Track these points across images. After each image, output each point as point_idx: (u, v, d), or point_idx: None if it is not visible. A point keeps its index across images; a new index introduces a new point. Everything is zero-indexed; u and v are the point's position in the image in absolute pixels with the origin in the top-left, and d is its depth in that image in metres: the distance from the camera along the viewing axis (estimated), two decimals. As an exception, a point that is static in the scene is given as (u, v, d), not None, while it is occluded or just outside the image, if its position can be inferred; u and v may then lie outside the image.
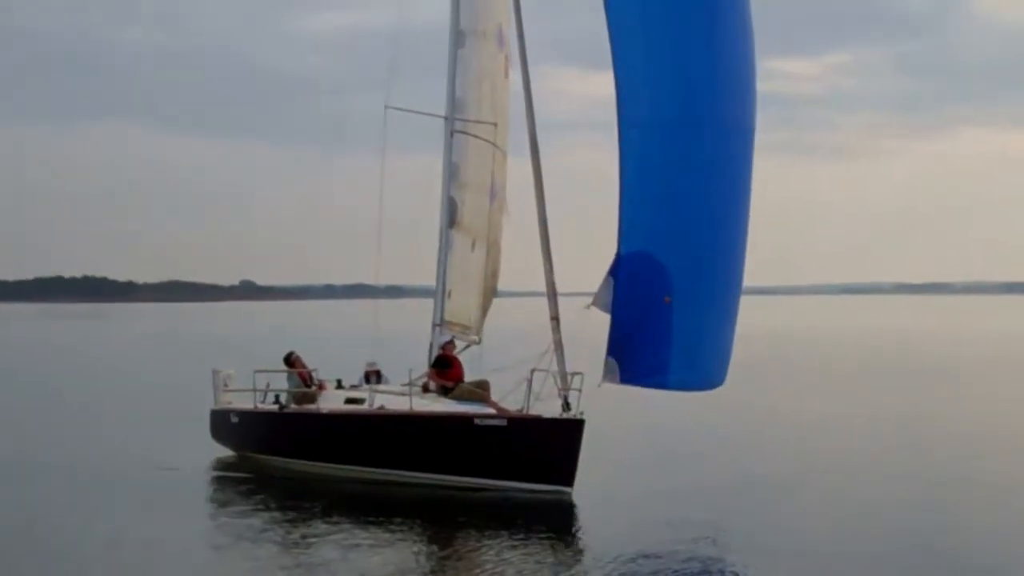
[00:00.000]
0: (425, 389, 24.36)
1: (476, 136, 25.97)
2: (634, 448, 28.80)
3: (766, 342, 73.27)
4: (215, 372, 27.96)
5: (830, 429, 32.30)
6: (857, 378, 49.44)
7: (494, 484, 22.08)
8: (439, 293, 25.78)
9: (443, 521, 20.21)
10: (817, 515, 20.41)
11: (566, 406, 21.84)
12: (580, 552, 18.27)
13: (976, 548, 18.06)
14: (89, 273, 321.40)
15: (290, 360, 26.36)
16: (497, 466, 22.04)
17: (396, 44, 25.19)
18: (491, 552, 17.76)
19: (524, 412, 22.06)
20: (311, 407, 25.24)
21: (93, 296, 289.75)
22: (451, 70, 25.71)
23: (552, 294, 22.56)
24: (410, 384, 23.86)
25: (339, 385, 26.18)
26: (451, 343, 25.46)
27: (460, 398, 23.65)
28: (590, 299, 22.21)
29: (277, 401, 26.10)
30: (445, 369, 24.57)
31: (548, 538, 18.76)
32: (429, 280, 26.18)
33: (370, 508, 21.12)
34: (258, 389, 26.32)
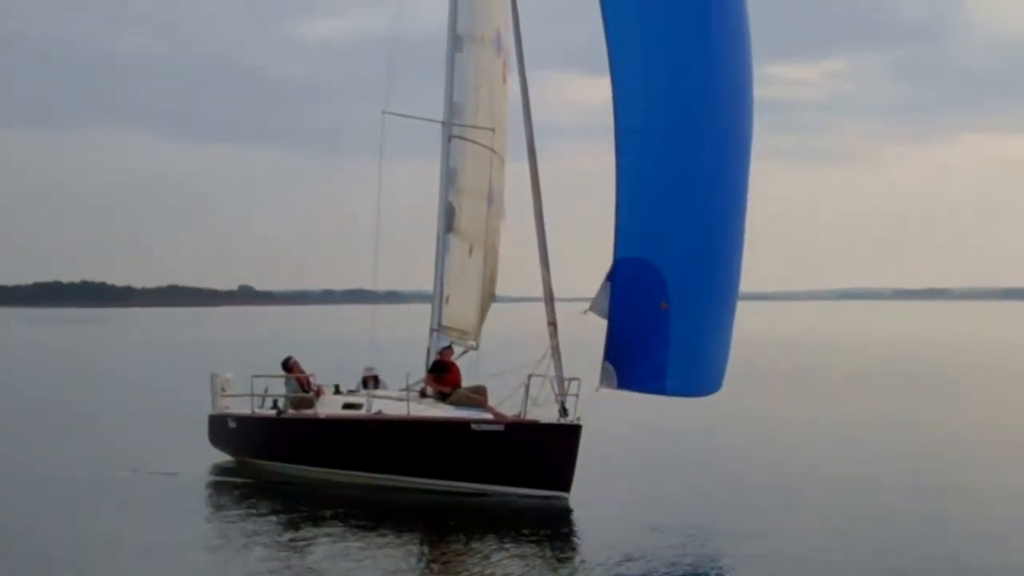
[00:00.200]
0: (423, 394, 24.38)
1: (474, 141, 26.00)
2: (631, 453, 28.81)
3: (764, 348, 73.30)
4: (213, 377, 27.99)
5: (826, 436, 32.31)
6: (854, 385, 49.44)
7: (491, 489, 22.10)
8: (437, 298, 25.81)
9: (440, 526, 20.23)
10: (813, 522, 20.42)
11: (563, 411, 21.87)
12: (576, 557, 18.28)
13: (970, 555, 18.09)
14: (87, 278, 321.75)
15: (288, 365, 26.37)
16: (494, 471, 22.06)
17: (394, 49, 25.26)
18: (488, 557, 17.79)
19: (521, 417, 22.09)
20: (309, 412, 25.25)
21: (92, 301, 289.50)
22: (449, 75, 25.73)
23: (549, 299, 22.59)
24: (407, 389, 23.90)
25: (337, 390, 26.18)
26: (449, 348, 25.50)
27: (457, 403, 23.67)
28: (588, 304, 22.25)
29: (275, 406, 26.12)
30: (442, 374, 24.60)
31: (545, 543, 18.78)
32: (427, 285, 26.23)
33: (368, 513, 21.14)
34: (256, 394, 26.33)
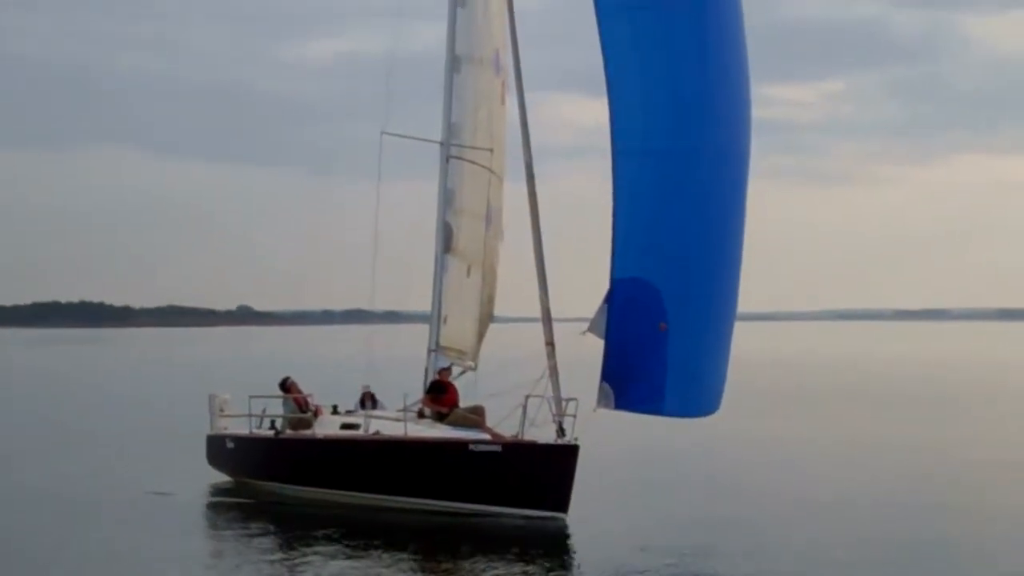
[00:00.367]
0: (420, 415, 24.36)
1: (472, 162, 26.04)
2: (629, 474, 28.75)
3: (762, 368, 73.22)
4: (211, 397, 27.94)
5: (825, 456, 32.28)
6: (853, 405, 49.35)
7: (489, 510, 22.07)
8: (435, 318, 25.82)
9: (437, 547, 20.21)
10: (810, 543, 20.38)
11: (561, 432, 21.85)
12: (574, 578, 18.27)
13: (969, 575, 18.08)
14: (86, 298, 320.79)
15: (286, 385, 26.34)
16: (492, 492, 22.03)
17: (392, 70, 25.30)
18: (485, 578, 17.76)
19: (519, 438, 22.08)
20: (307, 433, 25.22)
21: (90, 321, 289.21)
22: (447, 96, 25.78)
23: (547, 320, 22.59)
24: (405, 410, 23.89)
25: (335, 411, 26.15)
26: (447, 368, 25.49)
27: (455, 424, 23.66)
28: (586, 325, 22.26)
29: (273, 427, 26.09)
30: (440, 395, 24.58)
31: (542, 564, 18.74)
32: (425, 306, 26.23)
33: (365, 534, 21.11)
34: (254, 415, 26.30)
